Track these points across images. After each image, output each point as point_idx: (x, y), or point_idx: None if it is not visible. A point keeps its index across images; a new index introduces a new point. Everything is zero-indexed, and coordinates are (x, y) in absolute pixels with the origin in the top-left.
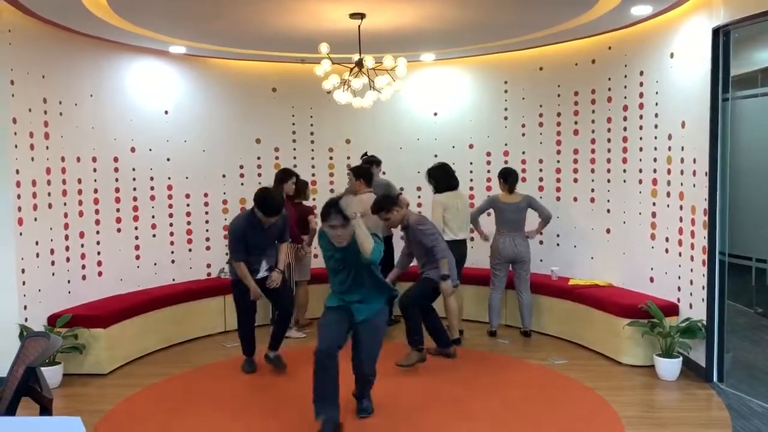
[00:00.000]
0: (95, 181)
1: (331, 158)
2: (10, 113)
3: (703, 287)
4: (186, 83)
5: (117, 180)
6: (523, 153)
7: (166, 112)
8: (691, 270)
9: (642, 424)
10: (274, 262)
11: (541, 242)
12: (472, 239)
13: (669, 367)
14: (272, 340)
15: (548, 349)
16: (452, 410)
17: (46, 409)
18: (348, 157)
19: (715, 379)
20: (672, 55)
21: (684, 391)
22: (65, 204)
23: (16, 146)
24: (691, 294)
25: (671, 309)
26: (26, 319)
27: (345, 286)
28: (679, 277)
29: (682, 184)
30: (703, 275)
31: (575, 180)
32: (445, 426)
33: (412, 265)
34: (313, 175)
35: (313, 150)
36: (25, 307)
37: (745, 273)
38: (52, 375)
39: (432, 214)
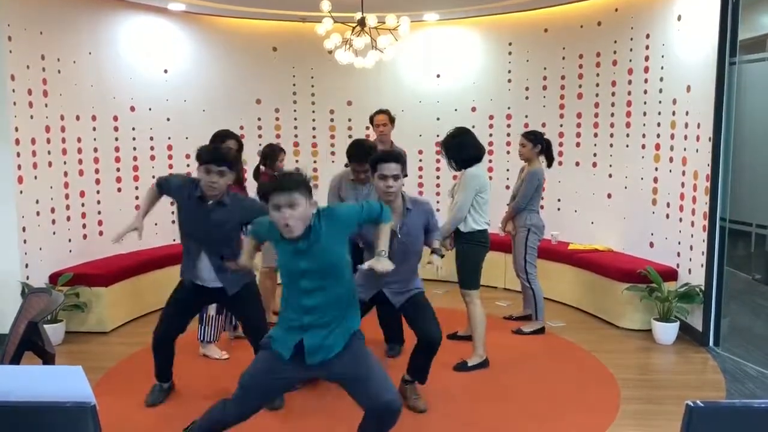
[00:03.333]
0: (95, 140)
1: (332, 120)
2: (7, 70)
3: (703, 253)
4: (185, 42)
5: (117, 139)
6: (526, 117)
7: (166, 71)
8: (692, 235)
9: (638, 386)
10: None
11: (542, 206)
12: None
13: (666, 331)
14: None
15: (547, 312)
16: (449, 371)
17: (48, 364)
18: (349, 119)
19: (711, 343)
20: (679, 18)
21: (680, 355)
22: (65, 163)
23: (14, 103)
24: (690, 259)
25: (670, 274)
26: (28, 277)
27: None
28: (679, 243)
29: (685, 149)
30: (703, 241)
31: (578, 144)
32: (442, 385)
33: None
34: (314, 137)
35: (314, 111)
36: (27, 266)
37: (745, 239)
38: (54, 333)
39: (463, 194)
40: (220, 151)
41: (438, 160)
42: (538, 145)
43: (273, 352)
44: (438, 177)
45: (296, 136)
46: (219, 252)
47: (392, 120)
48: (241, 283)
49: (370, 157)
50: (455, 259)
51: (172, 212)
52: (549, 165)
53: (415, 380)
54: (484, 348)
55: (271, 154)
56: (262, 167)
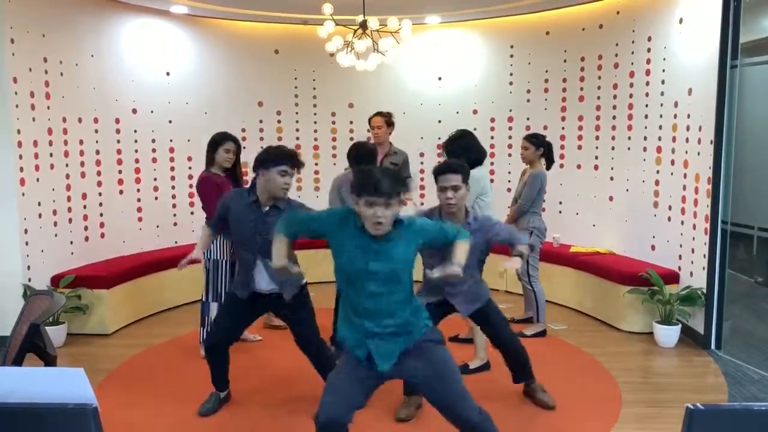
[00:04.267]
0: (97, 142)
1: (333, 122)
2: (10, 72)
3: (705, 256)
4: (188, 44)
5: (119, 142)
6: (528, 119)
7: (168, 74)
8: (693, 238)
9: (639, 389)
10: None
11: (543, 209)
12: None
13: (668, 334)
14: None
15: (548, 314)
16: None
17: (50, 366)
18: (351, 122)
19: (713, 346)
20: (681, 21)
21: (682, 358)
22: (67, 165)
23: (17, 106)
24: (692, 262)
25: (672, 277)
26: (29, 279)
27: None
28: (681, 246)
29: (686, 152)
30: (705, 244)
31: (579, 147)
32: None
33: None
34: (316, 139)
35: (315, 114)
36: (29, 268)
37: (747, 241)
38: (55, 335)
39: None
40: (290, 151)
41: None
42: (540, 148)
43: (350, 353)
44: None
45: (298, 138)
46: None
47: (390, 123)
48: (297, 286)
49: (370, 159)
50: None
51: (174, 214)
52: (548, 167)
53: (526, 381)
54: (486, 351)
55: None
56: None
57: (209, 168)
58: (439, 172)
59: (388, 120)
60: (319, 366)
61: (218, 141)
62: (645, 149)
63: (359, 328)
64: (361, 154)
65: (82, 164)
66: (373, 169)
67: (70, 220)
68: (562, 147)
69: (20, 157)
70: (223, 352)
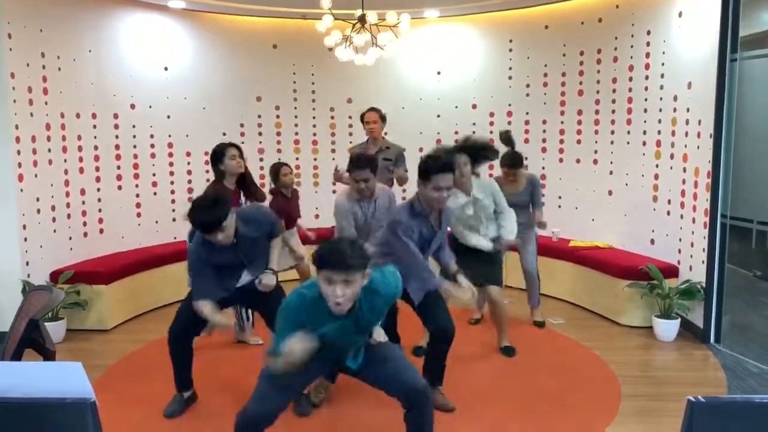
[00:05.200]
0: (95, 137)
1: (332, 117)
2: (7, 68)
3: (704, 249)
4: (186, 39)
5: (117, 137)
6: (527, 113)
7: (166, 69)
8: (692, 232)
9: (639, 383)
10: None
11: (542, 203)
12: None
13: (667, 328)
14: None
15: (548, 309)
16: (452, 367)
17: (49, 361)
18: (350, 117)
19: (712, 340)
20: (680, 14)
21: (681, 352)
22: (65, 161)
23: (14, 101)
24: (691, 256)
25: (671, 271)
26: (28, 275)
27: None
28: (680, 240)
29: (686, 146)
30: (704, 237)
31: (578, 141)
32: (446, 382)
33: None
34: (315, 135)
35: (314, 109)
36: (27, 263)
37: (746, 235)
38: (55, 330)
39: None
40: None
41: None
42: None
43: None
44: None
45: (297, 133)
46: (261, 267)
47: (383, 118)
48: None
49: (370, 165)
50: (494, 261)
51: (173, 210)
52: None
53: (434, 385)
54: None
55: (273, 173)
56: (272, 185)
57: (221, 181)
58: (438, 170)
59: (381, 115)
60: None
61: (220, 152)
62: (644, 143)
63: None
64: (361, 161)
65: (81, 160)
66: (340, 240)
67: (69, 216)
68: (561, 141)
69: (18, 152)
70: (184, 344)
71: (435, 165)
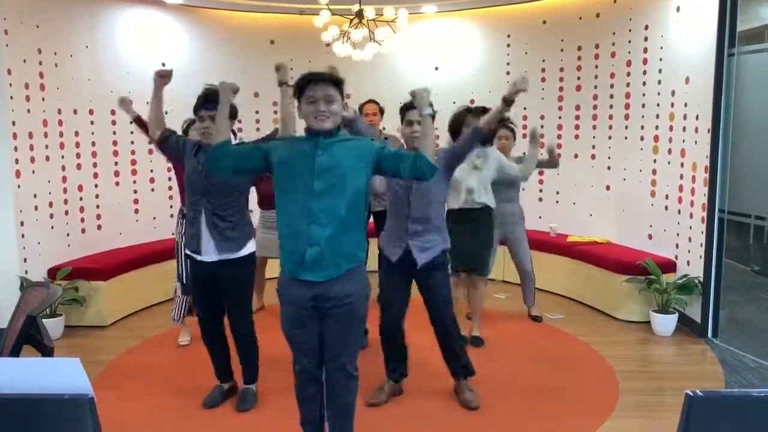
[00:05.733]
0: (92, 134)
1: None
2: (4, 64)
3: (702, 244)
4: (183, 35)
5: (114, 133)
6: (525, 109)
7: (163, 64)
8: (690, 227)
9: (637, 378)
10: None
11: (540, 199)
12: None
13: (665, 323)
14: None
15: (545, 304)
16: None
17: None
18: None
19: (709, 334)
20: (678, 9)
21: (679, 346)
22: (63, 157)
23: (11, 98)
24: (689, 251)
25: (669, 266)
26: (26, 272)
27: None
28: (678, 235)
29: (683, 141)
30: (702, 232)
31: (576, 136)
32: (442, 378)
33: None
34: None
35: None
36: (25, 260)
37: (744, 230)
38: (53, 327)
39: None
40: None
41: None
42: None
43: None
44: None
45: (294, 129)
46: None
47: (381, 110)
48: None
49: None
50: (488, 245)
51: (171, 206)
52: None
53: (461, 376)
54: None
55: None
56: None
57: None
58: (408, 108)
59: (380, 107)
60: (240, 347)
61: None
62: (642, 138)
63: (302, 234)
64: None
65: (78, 156)
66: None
67: (67, 212)
68: (560, 137)
69: (15, 149)
70: (211, 335)
71: (407, 105)
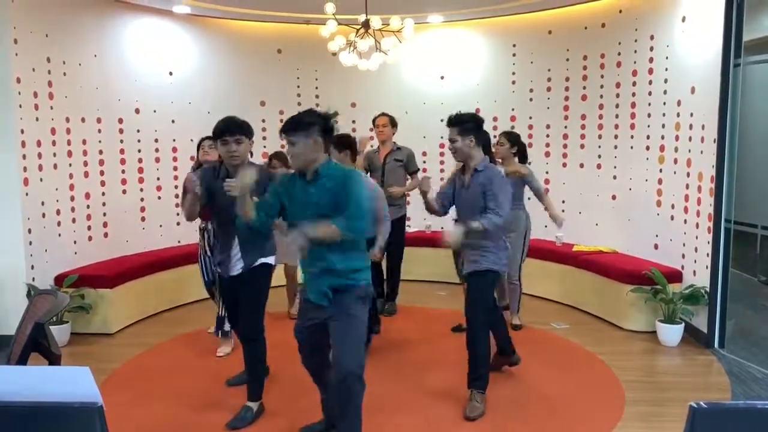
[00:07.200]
0: (100, 142)
1: (336, 122)
2: (13, 72)
3: (708, 254)
4: (190, 44)
5: (122, 141)
6: (530, 118)
7: (171, 74)
8: (696, 237)
9: (643, 388)
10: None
11: (546, 208)
12: None
13: (671, 333)
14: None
15: (551, 313)
16: (455, 372)
17: (54, 365)
18: (353, 121)
19: (716, 345)
20: (684, 19)
21: (685, 357)
22: (70, 165)
23: (20, 106)
24: (695, 261)
25: (675, 276)
26: (33, 279)
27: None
28: (684, 244)
29: (689, 150)
30: (708, 242)
31: (582, 146)
32: (450, 386)
33: None
34: None
35: None
36: (32, 267)
37: (751, 240)
38: (59, 334)
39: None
40: (232, 120)
41: (442, 162)
42: (515, 146)
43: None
44: (441, 179)
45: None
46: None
47: (394, 123)
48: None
49: (349, 144)
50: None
51: (177, 214)
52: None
53: (470, 386)
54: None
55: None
56: None
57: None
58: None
59: (392, 120)
60: (247, 355)
61: (199, 144)
62: (648, 148)
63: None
64: (342, 140)
65: (86, 164)
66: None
67: (74, 220)
68: (565, 146)
69: (24, 157)
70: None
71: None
